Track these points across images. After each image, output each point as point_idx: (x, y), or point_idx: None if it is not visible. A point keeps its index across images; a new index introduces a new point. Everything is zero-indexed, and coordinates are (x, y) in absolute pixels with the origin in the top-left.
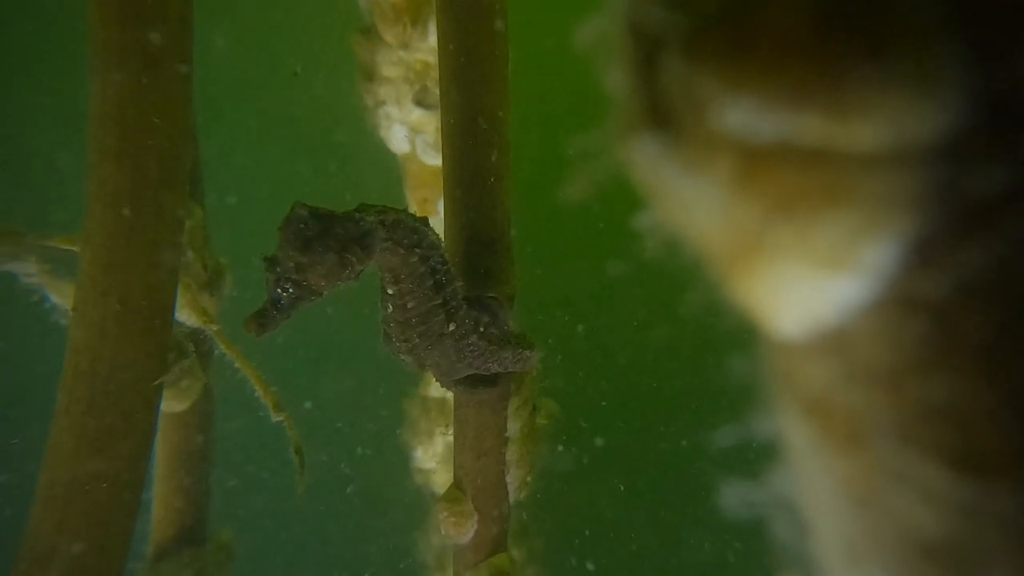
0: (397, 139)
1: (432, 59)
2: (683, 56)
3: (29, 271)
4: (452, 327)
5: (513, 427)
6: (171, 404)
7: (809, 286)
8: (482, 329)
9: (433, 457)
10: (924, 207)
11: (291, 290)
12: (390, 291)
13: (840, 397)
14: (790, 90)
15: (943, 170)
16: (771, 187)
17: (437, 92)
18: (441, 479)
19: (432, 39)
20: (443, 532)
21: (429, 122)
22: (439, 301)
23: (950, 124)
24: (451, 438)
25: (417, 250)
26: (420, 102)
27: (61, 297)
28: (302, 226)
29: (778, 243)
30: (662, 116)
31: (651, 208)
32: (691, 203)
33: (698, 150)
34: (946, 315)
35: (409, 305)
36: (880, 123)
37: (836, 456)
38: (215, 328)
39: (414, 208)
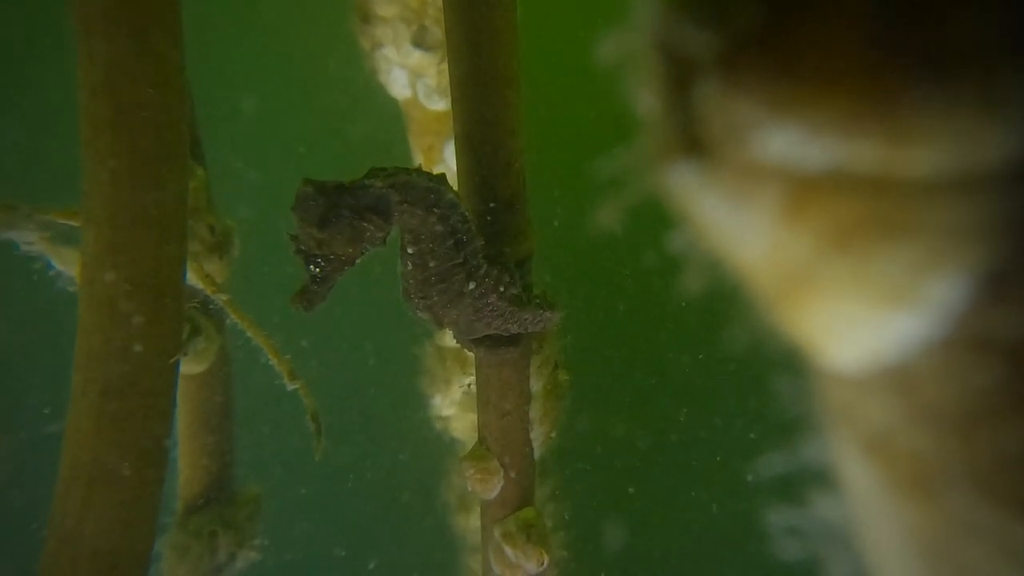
0: (398, 84)
1: None
2: (720, 78)
3: (29, 239)
4: (472, 286)
5: (536, 385)
6: (189, 367)
7: (868, 322)
8: (502, 289)
9: (451, 404)
10: (993, 238)
11: (322, 264)
12: (410, 250)
13: (905, 439)
14: (841, 114)
15: (1013, 198)
16: (823, 218)
17: (436, 32)
18: (460, 425)
19: None
20: (470, 488)
21: (430, 64)
22: (459, 260)
23: (1019, 148)
24: (471, 392)
25: (435, 210)
26: (419, 43)
27: (65, 264)
28: (312, 203)
29: (832, 277)
30: (698, 143)
31: (689, 236)
32: (734, 234)
33: (740, 179)
34: (1023, 357)
35: (430, 264)
36: (943, 148)
37: (904, 502)
38: (225, 298)
39: (420, 156)
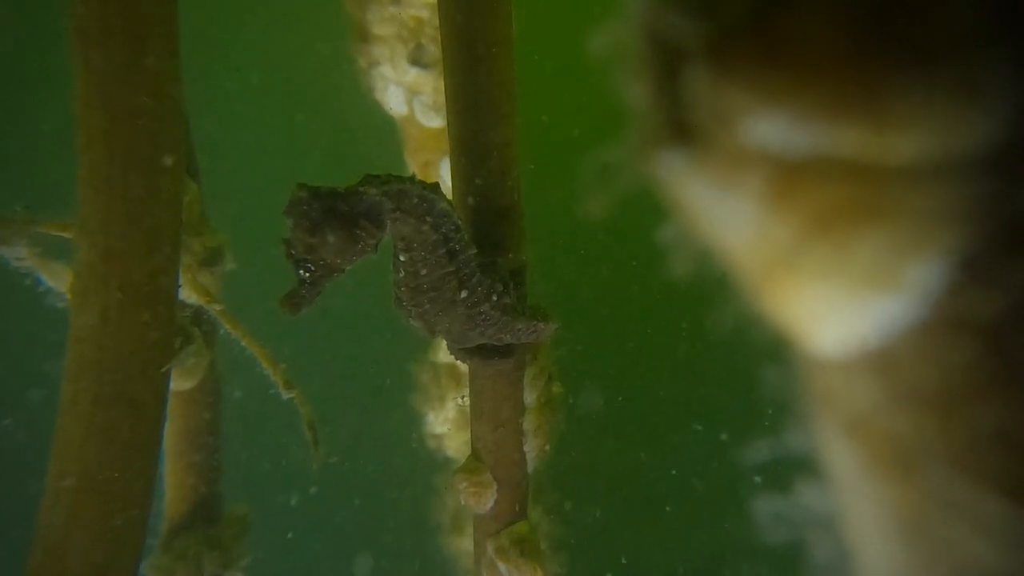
0: (394, 101)
1: (425, 15)
2: (708, 67)
3: (20, 255)
4: (464, 295)
5: (530, 397)
6: (178, 382)
7: (849, 305)
8: (495, 298)
9: (445, 422)
10: (970, 222)
11: (311, 269)
12: (402, 258)
13: (885, 420)
14: (826, 102)
15: (990, 183)
16: (807, 203)
17: (433, 50)
18: (453, 443)
19: None
20: (463, 502)
21: (426, 82)
22: (451, 269)
23: (996, 135)
24: (465, 406)
25: (428, 219)
26: (416, 61)
27: (56, 280)
28: (305, 208)
29: (816, 261)
30: (686, 130)
31: (677, 222)
32: (721, 220)
33: (727, 166)
34: (997, 337)
35: (422, 272)
36: (922, 135)
37: (883, 481)
38: (218, 308)
39: (416, 172)
